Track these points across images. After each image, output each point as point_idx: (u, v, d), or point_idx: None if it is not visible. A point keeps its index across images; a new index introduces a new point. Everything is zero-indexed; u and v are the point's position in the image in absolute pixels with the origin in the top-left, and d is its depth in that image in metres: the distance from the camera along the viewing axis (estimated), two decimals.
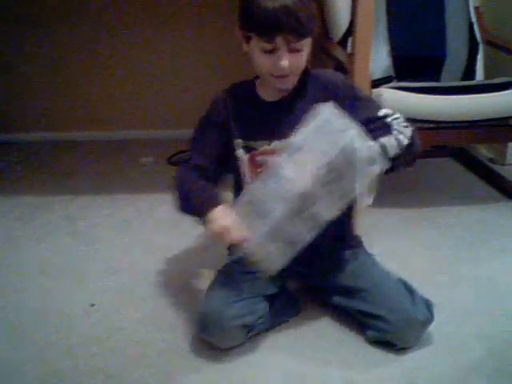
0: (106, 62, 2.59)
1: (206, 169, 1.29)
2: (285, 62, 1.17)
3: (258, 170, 1.27)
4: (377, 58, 2.04)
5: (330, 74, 1.35)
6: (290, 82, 1.25)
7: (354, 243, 1.40)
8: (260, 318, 1.26)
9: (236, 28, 1.21)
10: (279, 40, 1.14)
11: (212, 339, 1.23)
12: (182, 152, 2.41)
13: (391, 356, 1.24)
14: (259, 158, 1.28)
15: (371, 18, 1.53)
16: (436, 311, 1.25)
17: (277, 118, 1.28)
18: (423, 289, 1.29)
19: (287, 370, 1.21)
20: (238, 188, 1.39)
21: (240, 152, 1.30)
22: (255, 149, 1.28)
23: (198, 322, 1.25)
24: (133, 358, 1.25)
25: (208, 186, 1.26)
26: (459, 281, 1.53)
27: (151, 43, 2.57)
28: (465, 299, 1.44)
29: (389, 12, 2.11)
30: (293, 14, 1.12)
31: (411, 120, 1.78)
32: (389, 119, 1.19)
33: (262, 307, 1.27)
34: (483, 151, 2.44)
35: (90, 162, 2.43)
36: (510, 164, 2.32)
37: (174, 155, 2.42)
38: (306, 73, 1.29)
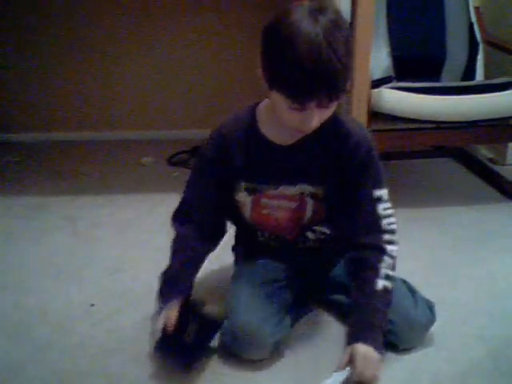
0: (106, 62, 2.59)
1: (203, 222, 1.26)
2: (314, 123, 1.05)
3: (263, 212, 1.25)
4: (377, 58, 2.04)
5: (357, 133, 1.19)
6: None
7: None
8: (287, 330, 1.26)
9: (257, 64, 1.06)
10: (311, 104, 1.01)
11: (243, 354, 1.21)
12: (182, 152, 2.44)
13: (391, 356, 1.23)
14: (264, 201, 1.24)
15: (371, 19, 1.54)
16: (436, 311, 1.25)
17: (287, 162, 1.20)
18: (423, 289, 1.29)
19: (286, 369, 1.21)
20: (239, 232, 1.40)
21: (242, 195, 1.24)
22: (260, 191, 1.23)
23: (227, 335, 1.21)
24: (133, 357, 1.25)
25: (184, 273, 1.26)
26: (459, 281, 1.53)
27: (152, 44, 2.57)
28: (465, 299, 1.44)
29: (389, 12, 2.12)
30: (332, 79, 0.97)
31: (411, 120, 1.77)
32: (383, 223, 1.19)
33: (288, 320, 1.27)
34: (483, 151, 2.44)
35: (90, 162, 2.43)
36: (510, 164, 2.32)
37: (174, 155, 2.42)
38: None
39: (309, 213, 1.25)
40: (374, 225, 1.20)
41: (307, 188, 1.21)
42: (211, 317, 1.26)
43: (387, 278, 1.17)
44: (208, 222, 1.27)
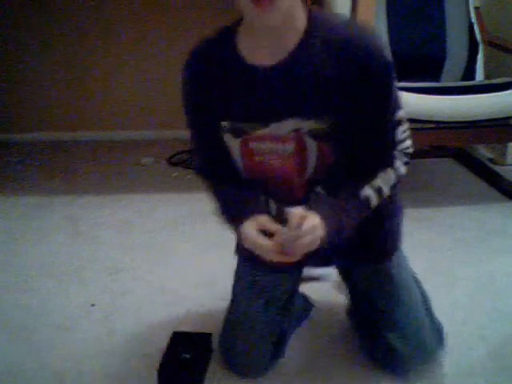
0: (106, 62, 2.59)
1: (225, 163, 1.09)
2: None
3: (256, 159, 1.05)
4: None
5: (364, 41, 0.94)
6: (275, 14, 0.88)
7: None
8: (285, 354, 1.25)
9: None
10: None
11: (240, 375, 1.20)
12: (182, 152, 2.44)
13: None
14: (254, 145, 1.03)
15: (371, 18, 1.54)
16: (436, 312, 1.25)
17: (272, 90, 0.97)
18: None
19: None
20: None
21: (228, 137, 1.04)
22: (247, 132, 1.02)
23: (225, 356, 1.21)
24: (133, 358, 1.25)
25: (240, 193, 1.08)
26: (459, 281, 1.53)
27: (151, 43, 2.57)
28: (465, 299, 1.44)
29: (389, 12, 2.12)
30: None
31: (411, 120, 1.77)
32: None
33: (287, 342, 1.26)
34: (483, 151, 2.45)
35: (90, 162, 2.44)
36: (510, 164, 2.33)
37: (174, 155, 2.43)
38: (310, 23, 0.94)
39: (312, 158, 1.02)
40: (390, 153, 1.05)
41: (304, 123, 0.98)
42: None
43: (378, 191, 1.02)
44: (222, 163, 1.10)
